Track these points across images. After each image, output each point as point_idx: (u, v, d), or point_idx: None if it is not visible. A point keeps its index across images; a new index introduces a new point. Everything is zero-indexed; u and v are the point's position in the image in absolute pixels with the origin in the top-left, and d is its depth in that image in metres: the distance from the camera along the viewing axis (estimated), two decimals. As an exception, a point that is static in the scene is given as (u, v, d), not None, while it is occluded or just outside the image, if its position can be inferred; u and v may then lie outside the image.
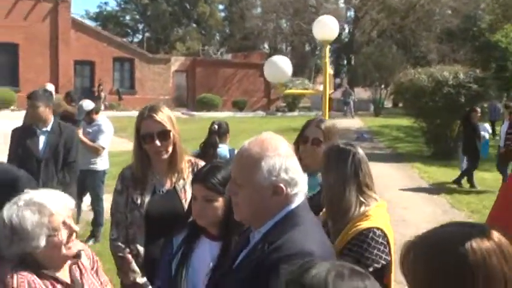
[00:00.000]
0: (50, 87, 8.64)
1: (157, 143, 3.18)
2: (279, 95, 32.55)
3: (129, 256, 3.20)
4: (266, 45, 54.59)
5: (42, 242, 2.27)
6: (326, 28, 7.35)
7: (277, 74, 7.67)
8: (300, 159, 3.62)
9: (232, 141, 6.82)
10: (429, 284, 1.43)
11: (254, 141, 2.10)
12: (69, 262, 2.47)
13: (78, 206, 7.62)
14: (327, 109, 8.95)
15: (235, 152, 7.37)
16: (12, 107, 23.25)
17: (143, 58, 33.82)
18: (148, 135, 3.19)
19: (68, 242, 2.37)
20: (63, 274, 2.43)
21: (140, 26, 61.33)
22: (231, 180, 2.14)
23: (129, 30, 61.87)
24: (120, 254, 3.22)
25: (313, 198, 3.33)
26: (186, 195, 3.19)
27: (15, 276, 2.23)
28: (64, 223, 2.34)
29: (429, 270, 1.43)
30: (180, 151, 3.30)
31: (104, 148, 7.85)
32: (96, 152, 7.78)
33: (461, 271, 1.38)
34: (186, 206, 3.09)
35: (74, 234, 2.41)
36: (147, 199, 3.23)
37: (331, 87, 56.19)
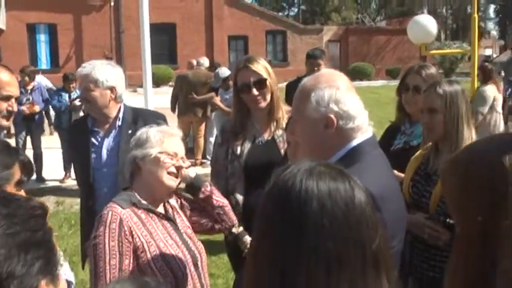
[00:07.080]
0: (204, 60, 9.68)
1: (255, 91, 3.20)
2: (435, 61, 30.83)
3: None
4: (425, 10, 52.20)
5: (155, 151, 2.50)
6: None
7: (421, 34, 7.32)
8: (402, 108, 3.51)
9: (383, 109, 6.62)
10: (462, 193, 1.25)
11: (311, 77, 2.07)
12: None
13: None
14: (475, 73, 8.29)
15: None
16: (170, 83, 24.22)
17: (295, 30, 33.93)
18: (245, 85, 3.22)
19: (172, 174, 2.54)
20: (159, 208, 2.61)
21: (295, 0, 61.60)
22: (291, 119, 2.12)
23: (285, 4, 62.42)
24: None
25: (417, 147, 3.22)
26: (285, 145, 3.16)
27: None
28: (176, 156, 2.56)
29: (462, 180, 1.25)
30: (278, 100, 3.30)
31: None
32: (231, 116, 8.20)
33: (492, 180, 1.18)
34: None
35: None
36: (246, 149, 3.27)
37: (496, 51, 52.34)
